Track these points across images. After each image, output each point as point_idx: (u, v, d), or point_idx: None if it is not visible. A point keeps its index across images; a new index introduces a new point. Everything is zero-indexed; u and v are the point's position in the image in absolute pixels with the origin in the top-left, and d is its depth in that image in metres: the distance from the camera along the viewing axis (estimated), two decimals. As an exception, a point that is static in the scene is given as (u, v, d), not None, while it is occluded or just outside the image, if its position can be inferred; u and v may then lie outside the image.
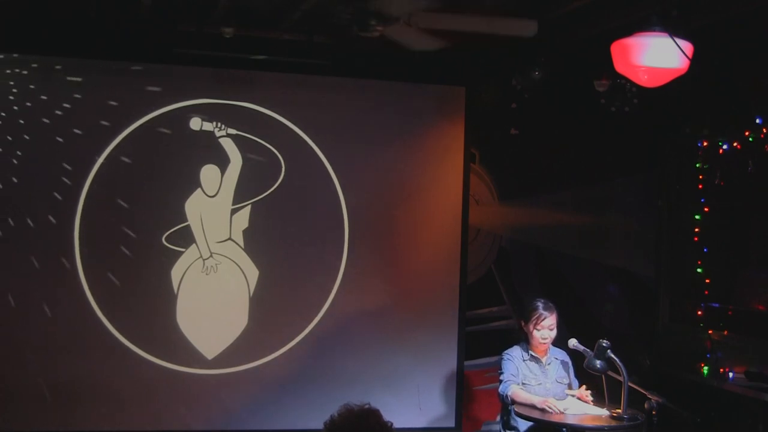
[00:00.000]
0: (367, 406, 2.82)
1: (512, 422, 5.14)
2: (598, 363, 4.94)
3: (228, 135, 6.10)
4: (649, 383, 5.43)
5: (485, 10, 5.24)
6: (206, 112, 6.06)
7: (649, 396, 4.97)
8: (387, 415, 2.83)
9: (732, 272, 6.42)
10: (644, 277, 6.96)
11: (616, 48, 4.65)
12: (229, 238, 6.13)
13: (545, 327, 5.12)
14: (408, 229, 6.44)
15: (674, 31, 4.40)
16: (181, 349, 6.01)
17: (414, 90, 6.45)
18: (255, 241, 6.16)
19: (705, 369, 6.16)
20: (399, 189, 6.42)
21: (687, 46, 4.49)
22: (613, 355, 4.93)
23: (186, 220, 6.05)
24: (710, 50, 5.02)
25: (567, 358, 5.30)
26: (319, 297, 6.26)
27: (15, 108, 5.77)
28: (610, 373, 5.00)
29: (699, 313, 6.58)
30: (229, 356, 6.10)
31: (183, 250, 6.03)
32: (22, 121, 5.79)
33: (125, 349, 5.91)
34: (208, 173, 6.09)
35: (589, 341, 5.07)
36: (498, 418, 5.65)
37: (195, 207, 6.06)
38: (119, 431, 5.92)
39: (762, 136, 5.95)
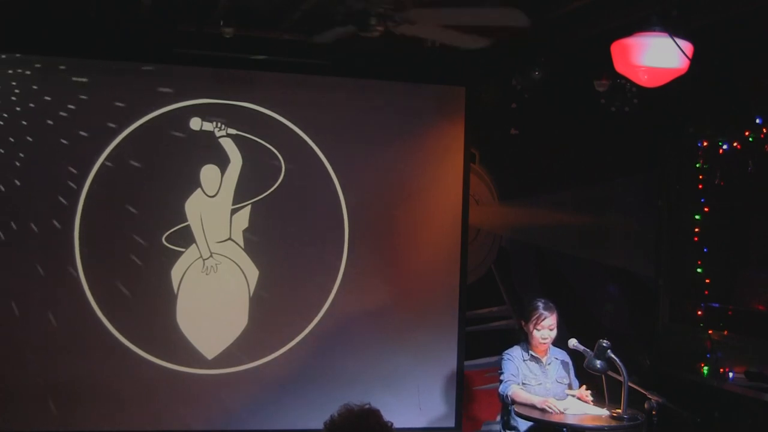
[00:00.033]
0: (367, 406, 2.82)
1: (512, 422, 5.14)
2: (598, 363, 4.94)
3: (228, 135, 6.11)
4: (649, 383, 5.43)
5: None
6: (206, 112, 6.07)
7: (649, 396, 4.97)
8: (387, 415, 2.83)
9: (732, 272, 6.42)
10: (644, 277, 6.96)
11: (616, 48, 4.65)
12: (229, 238, 6.13)
13: (545, 327, 5.12)
14: (408, 229, 6.44)
15: (674, 31, 4.40)
16: (181, 349, 6.01)
17: (414, 90, 6.45)
18: (255, 241, 6.16)
19: (705, 369, 6.17)
20: (399, 189, 6.42)
21: (687, 46, 4.49)
22: (613, 355, 4.93)
23: (186, 220, 6.05)
24: (710, 50, 5.02)
25: (567, 358, 5.30)
26: (319, 297, 6.26)
27: (18, 109, 5.77)
28: (610, 373, 5.00)
29: (699, 313, 6.58)
30: (229, 356, 6.10)
31: (183, 250, 6.04)
32: (25, 123, 5.79)
33: (125, 349, 5.91)
34: (208, 173, 6.09)
35: (589, 341, 5.07)
36: (498, 418, 5.65)
37: (195, 207, 6.06)
38: (119, 431, 5.92)
39: (762, 136, 5.95)
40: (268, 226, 6.18)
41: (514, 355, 5.19)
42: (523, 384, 5.09)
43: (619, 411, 4.82)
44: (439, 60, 6.17)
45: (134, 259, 5.94)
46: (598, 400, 5.06)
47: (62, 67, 5.85)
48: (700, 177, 6.61)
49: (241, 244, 6.14)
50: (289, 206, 6.21)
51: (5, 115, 5.76)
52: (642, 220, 6.94)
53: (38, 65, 5.81)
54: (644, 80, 4.66)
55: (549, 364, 5.21)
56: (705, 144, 6.58)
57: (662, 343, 6.81)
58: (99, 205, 5.88)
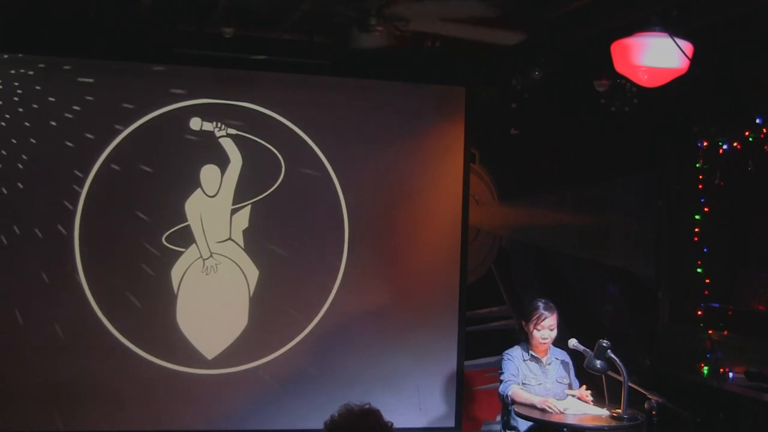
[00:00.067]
0: (367, 406, 2.82)
1: (512, 422, 5.14)
2: (598, 363, 4.94)
3: (228, 135, 6.10)
4: (649, 383, 5.43)
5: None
6: (206, 112, 6.07)
7: (649, 396, 4.97)
8: (387, 415, 2.83)
9: (732, 272, 6.42)
10: (644, 277, 6.96)
11: (616, 48, 4.65)
12: (229, 238, 6.13)
13: (546, 327, 5.12)
14: (408, 229, 6.44)
15: (674, 31, 4.40)
16: (181, 349, 6.01)
17: (414, 90, 6.45)
18: (255, 241, 6.16)
19: (705, 369, 6.17)
20: (399, 189, 6.42)
21: (687, 46, 4.49)
22: (613, 355, 4.93)
23: (186, 220, 6.04)
24: (710, 50, 5.02)
25: (567, 358, 5.30)
26: (319, 297, 6.26)
27: (20, 110, 5.77)
28: (610, 373, 5.00)
29: (699, 313, 6.57)
30: (229, 356, 6.10)
31: (183, 250, 6.03)
32: (27, 123, 5.78)
33: (125, 349, 5.91)
34: (208, 173, 6.09)
35: (589, 341, 5.07)
36: (498, 418, 5.65)
37: (195, 207, 6.06)
38: (119, 431, 5.92)
39: (762, 136, 5.95)
40: (268, 226, 6.18)
41: (514, 355, 5.19)
42: (523, 384, 5.09)
43: (619, 411, 4.82)
44: (439, 60, 6.17)
45: (134, 260, 5.94)
46: (598, 400, 5.06)
47: (58, 68, 5.84)
48: (700, 177, 6.61)
49: (241, 244, 6.14)
50: (289, 206, 6.21)
51: (7, 116, 5.76)
52: (642, 220, 6.94)
53: (41, 65, 5.80)
54: (644, 80, 4.67)
55: (549, 364, 5.21)
56: (705, 144, 6.58)
57: (662, 343, 6.81)
58: (99, 205, 5.88)
